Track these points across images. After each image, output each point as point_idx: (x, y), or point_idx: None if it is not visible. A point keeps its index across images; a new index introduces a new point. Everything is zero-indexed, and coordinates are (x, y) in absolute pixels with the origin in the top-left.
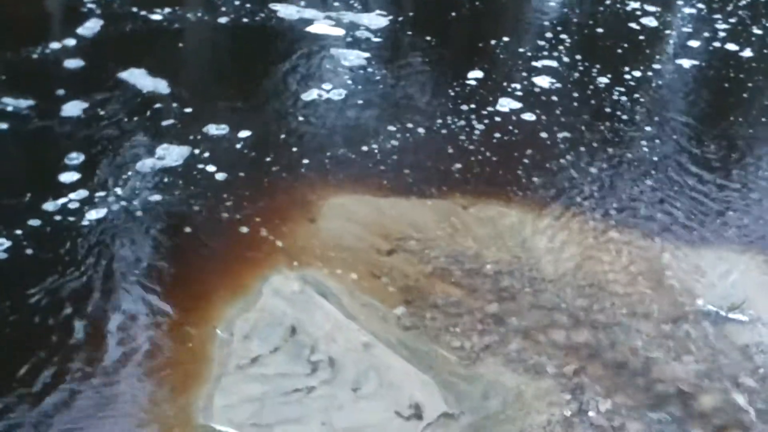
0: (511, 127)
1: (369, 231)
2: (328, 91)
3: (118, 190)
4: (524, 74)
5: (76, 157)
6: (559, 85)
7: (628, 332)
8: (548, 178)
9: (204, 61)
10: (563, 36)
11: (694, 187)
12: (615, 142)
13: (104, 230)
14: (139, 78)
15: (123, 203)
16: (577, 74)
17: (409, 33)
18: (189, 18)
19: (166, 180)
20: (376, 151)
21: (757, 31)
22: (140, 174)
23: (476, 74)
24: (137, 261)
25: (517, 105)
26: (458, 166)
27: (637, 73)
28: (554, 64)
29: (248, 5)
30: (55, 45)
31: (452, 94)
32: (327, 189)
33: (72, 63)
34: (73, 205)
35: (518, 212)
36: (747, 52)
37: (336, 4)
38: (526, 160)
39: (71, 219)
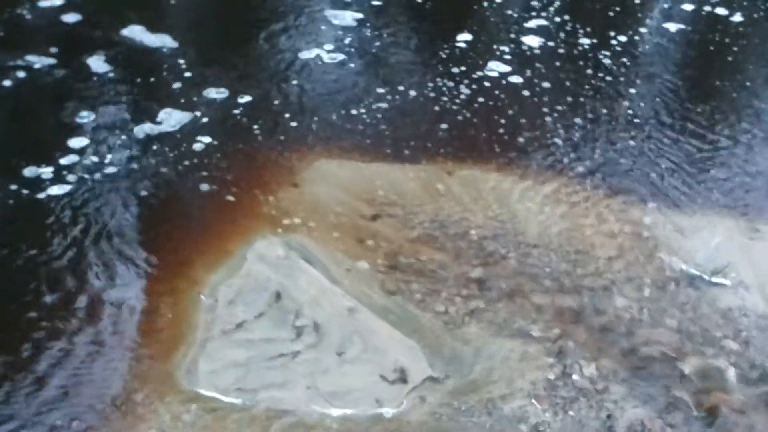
0: (498, 92)
1: (353, 196)
2: (320, 53)
3: (108, 156)
4: (513, 36)
5: (74, 119)
6: (548, 45)
7: (612, 296)
8: (534, 143)
9: (200, 17)
10: None
11: (678, 151)
12: (600, 106)
13: (88, 197)
14: (140, 34)
15: (111, 169)
16: (564, 35)
17: None
18: None
19: (155, 147)
20: (363, 114)
21: None
22: (134, 139)
23: (465, 37)
24: (120, 228)
25: (506, 68)
26: (444, 130)
27: (623, 38)
28: (544, 23)
29: None
30: (44, 3)
31: (444, 56)
32: (312, 154)
33: (69, 18)
34: (57, 171)
35: (503, 177)
36: (737, 17)
37: None
38: (512, 125)
39: (54, 185)
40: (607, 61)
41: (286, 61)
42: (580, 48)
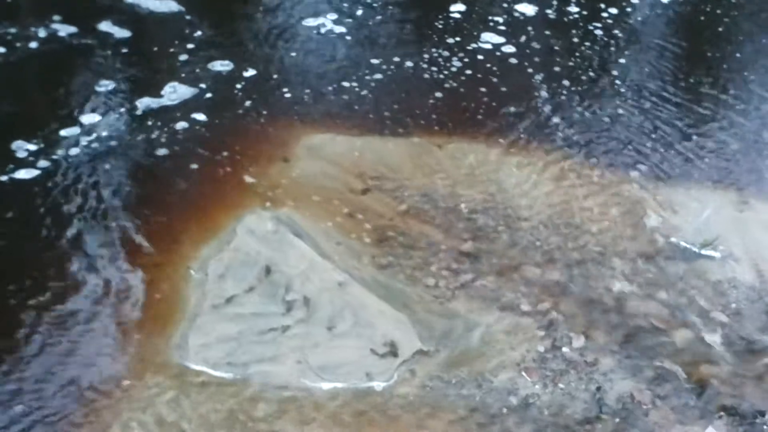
0: (489, 64)
1: (343, 170)
2: (323, 22)
3: (102, 130)
4: (506, 5)
5: (73, 91)
6: (543, 13)
7: (602, 269)
8: (525, 116)
9: None
10: None
11: (668, 124)
12: (591, 78)
13: (80, 171)
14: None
15: (103, 143)
16: (557, 2)
17: None
18: None
19: (150, 122)
20: (356, 87)
21: None
22: (132, 113)
23: (459, 7)
24: (112, 202)
25: (500, 39)
26: (435, 103)
27: (614, 10)
28: None
29: None
30: None
31: (439, 27)
32: (303, 128)
33: None
34: (48, 145)
35: (494, 150)
36: None
37: None
38: (503, 98)
39: (51, 157)
40: (598, 32)
41: (286, 32)
42: (571, 17)
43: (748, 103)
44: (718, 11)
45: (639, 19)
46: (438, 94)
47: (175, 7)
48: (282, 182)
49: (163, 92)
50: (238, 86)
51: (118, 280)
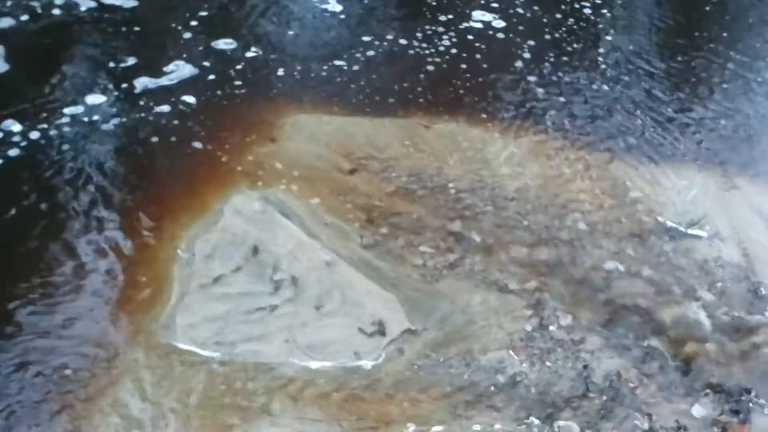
0: (478, 44)
1: (331, 150)
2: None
3: (95, 111)
4: None
5: (72, 69)
6: None
7: (589, 249)
8: (512, 96)
9: None
10: None
11: (656, 103)
12: (580, 58)
13: (66, 150)
14: None
15: (98, 123)
16: None
17: None
18: None
19: (142, 102)
20: (345, 66)
21: None
22: (130, 92)
23: None
24: (97, 182)
25: (491, 17)
26: (423, 83)
27: None
28: None
29: None
30: None
31: (432, 3)
32: (291, 108)
33: None
34: (40, 121)
35: (481, 130)
36: None
37: None
38: (490, 78)
39: (38, 134)
40: (587, 10)
41: (284, 10)
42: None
43: (735, 83)
44: None
45: None
46: (426, 75)
47: None
48: (269, 162)
49: (167, 69)
50: (238, 67)
51: (105, 260)
